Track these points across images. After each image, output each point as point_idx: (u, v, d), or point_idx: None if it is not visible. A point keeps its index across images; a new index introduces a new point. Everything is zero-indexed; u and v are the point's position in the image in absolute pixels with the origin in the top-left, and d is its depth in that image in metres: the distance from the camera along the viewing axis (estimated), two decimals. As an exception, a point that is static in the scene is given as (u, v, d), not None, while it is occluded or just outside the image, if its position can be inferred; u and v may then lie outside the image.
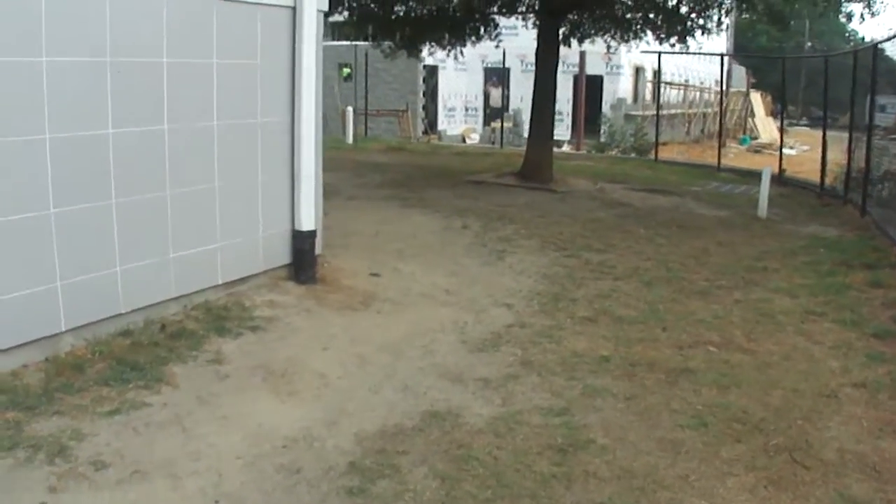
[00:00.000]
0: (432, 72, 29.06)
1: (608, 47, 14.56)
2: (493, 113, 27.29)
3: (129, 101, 4.91)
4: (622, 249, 8.56)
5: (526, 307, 6.39)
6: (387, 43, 14.78)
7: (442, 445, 4.05)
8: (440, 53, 16.06)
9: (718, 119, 20.73)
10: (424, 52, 15.48)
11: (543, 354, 5.35)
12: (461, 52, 15.33)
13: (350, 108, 20.58)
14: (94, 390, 4.32)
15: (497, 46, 15.40)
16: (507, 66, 23.36)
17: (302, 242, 6.42)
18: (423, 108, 28.40)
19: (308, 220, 6.44)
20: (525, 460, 3.93)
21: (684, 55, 21.68)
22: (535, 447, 4.07)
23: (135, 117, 4.99)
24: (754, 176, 13.20)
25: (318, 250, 6.64)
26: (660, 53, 17.14)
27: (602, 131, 24.59)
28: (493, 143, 23.97)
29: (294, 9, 6.08)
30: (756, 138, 28.72)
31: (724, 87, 22.38)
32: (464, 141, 27.85)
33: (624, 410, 4.56)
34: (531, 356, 5.32)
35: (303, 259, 6.45)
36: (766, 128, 29.91)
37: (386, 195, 11.26)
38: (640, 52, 17.98)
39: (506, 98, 26.23)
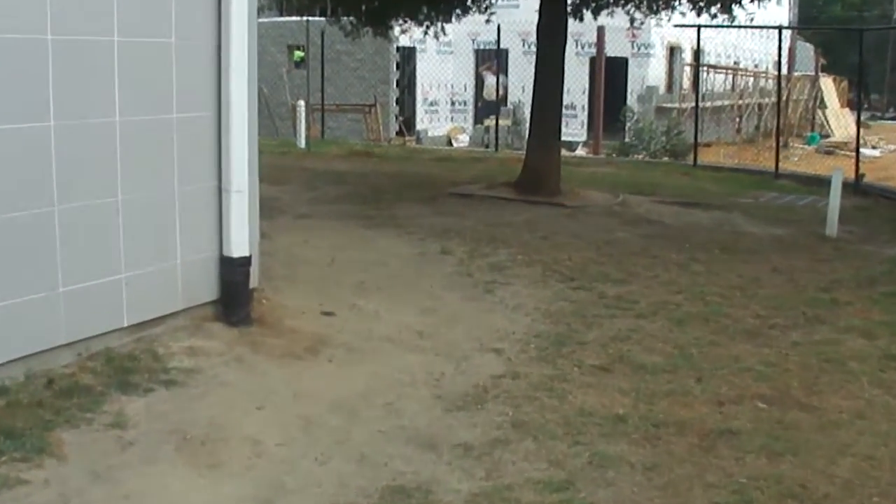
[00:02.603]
0: (409, 56, 29.16)
1: (632, 21, 14.65)
2: (486, 107, 27.40)
3: (1, 92, 4.95)
4: (647, 279, 8.63)
5: (520, 353, 6.42)
6: (348, 18, 14.85)
7: (407, 531, 4.07)
8: (417, 32, 16.15)
9: (777, 112, 20.87)
10: (396, 31, 15.47)
11: (541, 413, 5.37)
12: (443, 30, 15.40)
13: (302, 103, 20.66)
14: (-47, 465, 4.31)
15: (488, 21, 15.50)
16: (503, 47, 23.54)
17: (232, 272, 6.44)
18: (397, 102, 28.55)
19: (240, 243, 6.45)
20: (514, 548, 3.95)
21: (732, 29, 21.88)
22: (527, 532, 4.09)
23: (10, 111, 5.01)
24: (823, 184, 13.29)
25: (254, 283, 6.65)
26: (699, 27, 17.29)
27: (626, 129, 24.69)
28: (488, 145, 24.09)
29: (218, -28, 6.16)
30: (827, 136, 28.94)
31: (786, 71, 22.61)
32: (450, 144, 27.95)
33: (644, 485, 4.58)
34: (525, 415, 5.33)
35: (234, 294, 6.47)
36: (841, 122, 30.17)
37: (346, 213, 11.36)
38: (675, 27, 18.12)
39: (503, 88, 26.32)
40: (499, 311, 7.48)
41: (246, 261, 6.50)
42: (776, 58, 21.45)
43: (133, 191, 5.77)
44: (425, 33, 15.31)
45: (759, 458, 4.86)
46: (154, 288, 6.00)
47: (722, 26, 15.17)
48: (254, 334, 6.33)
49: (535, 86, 13.57)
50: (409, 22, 15.35)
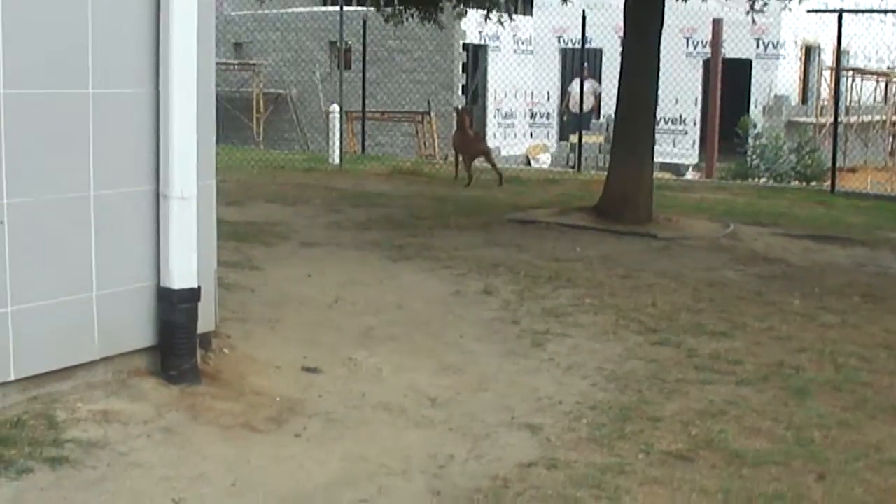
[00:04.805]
0: (478, 55, 29.14)
1: (752, 5, 14.14)
2: (575, 121, 27.38)
3: None
4: (757, 333, 8.31)
5: (565, 431, 6.05)
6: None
7: None
8: (489, 26, 16.00)
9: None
10: (447, 15, 15.30)
11: (584, 523, 4.91)
12: (509, 15, 15.13)
13: (336, 108, 20.51)
14: None
15: (565, 1, 15.17)
16: (596, 46, 23.17)
17: (171, 310, 6.21)
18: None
19: (184, 270, 6.20)
20: None
21: (887, 25, 21.22)
22: None
23: None
24: None
25: (207, 325, 6.53)
26: (841, 12, 16.77)
27: (748, 147, 24.38)
28: (574, 166, 23.90)
29: None
30: None
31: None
32: (528, 163, 27.80)
33: None
34: (560, 526, 4.87)
35: (175, 339, 6.27)
36: None
37: (368, 241, 11.60)
38: (808, 13, 17.62)
39: (594, 96, 25.99)
40: (546, 371, 7.23)
41: (191, 294, 6.28)
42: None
43: (26, 193, 5.56)
44: (486, 17, 15.14)
45: None
46: (57, 328, 5.78)
47: (872, 11, 14.66)
48: (199, 395, 6.12)
49: (620, 88, 13.52)
50: (468, 5, 15.17)
